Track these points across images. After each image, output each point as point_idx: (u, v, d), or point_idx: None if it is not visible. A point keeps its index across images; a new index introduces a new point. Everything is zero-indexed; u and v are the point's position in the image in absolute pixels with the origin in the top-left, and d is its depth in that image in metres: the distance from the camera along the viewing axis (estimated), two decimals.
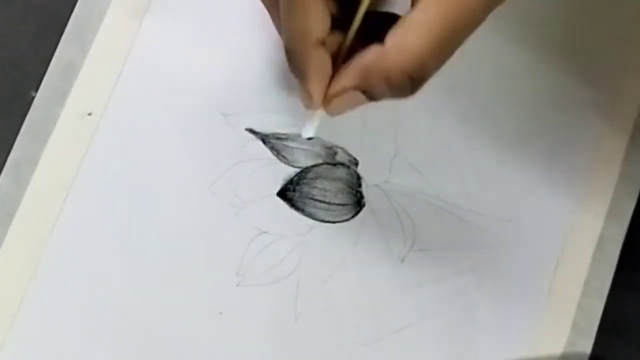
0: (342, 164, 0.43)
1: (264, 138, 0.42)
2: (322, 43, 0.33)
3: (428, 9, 0.31)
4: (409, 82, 0.32)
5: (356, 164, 0.43)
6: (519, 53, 0.45)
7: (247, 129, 0.41)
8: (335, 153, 0.42)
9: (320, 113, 0.36)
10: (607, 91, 0.46)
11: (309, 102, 0.34)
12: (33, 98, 0.40)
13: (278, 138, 0.42)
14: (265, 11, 0.35)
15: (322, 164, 0.42)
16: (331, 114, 0.35)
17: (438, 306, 0.44)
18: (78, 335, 0.40)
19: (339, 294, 0.42)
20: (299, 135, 0.42)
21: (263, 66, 0.41)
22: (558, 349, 0.45)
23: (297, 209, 0.42)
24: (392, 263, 0.43)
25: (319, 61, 0.33)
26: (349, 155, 0.43)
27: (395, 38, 0.31)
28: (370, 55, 0.32)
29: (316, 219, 0.42)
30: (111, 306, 0.40)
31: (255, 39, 0.42)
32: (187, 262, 0.41)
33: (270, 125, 0.42)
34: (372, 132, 0.43)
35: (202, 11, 0.42)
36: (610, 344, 0.45)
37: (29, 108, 0.40)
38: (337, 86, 0.34)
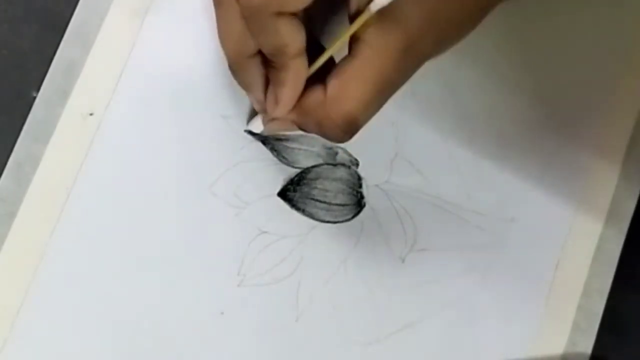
0: (343, 165, 0.43)
1: (264, 139, 0.42)
2: (302, 53, 0.34)
3: (365, 64, 0.33)
4: (340, 133, 0.34)
5: (357, 164, 0.43)
6: (520, 53, 0.45)
7: (246, 130, 0.41)
8: (336, 153, 0.42)
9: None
10: (607, 91, 0.46)
11: (275, 108, 0.36)
12: (34, 98, 0.40)
13: (278, 139, 0.42)
14: None
15: (322, 164, 0.42)
16: (268, 131, 0.39)
17: (439, 306, 0.44)
18: (79, 335, 0.40)
19: (340, 294, 0.42)
20: (300, 136, 0.42)
21: None
22: (558, 348, 0.45)
23: (298, 209, 0.42)
24: (392, 263, 0.43)
25: (297, 70, 0.34)
26: (350, 155, 0.43)
27: (333, 90, 0.34)
28: (310, 100, 0.35)
29: (317, 219, 0.42)
30: (112, 306, 0.40)
31: None
32: (188, 263, 0.41)
33: None
34: (372, 133, 0.43)
35: (203, 12, 0.42)
36: (611, 343, 0.45)
37: (30, 108, 0.40)
38: (278, 112, 0.36)
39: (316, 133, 0.36)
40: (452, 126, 0.44)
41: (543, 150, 0.45)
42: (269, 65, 0.35)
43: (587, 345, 0.45)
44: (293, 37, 0.33)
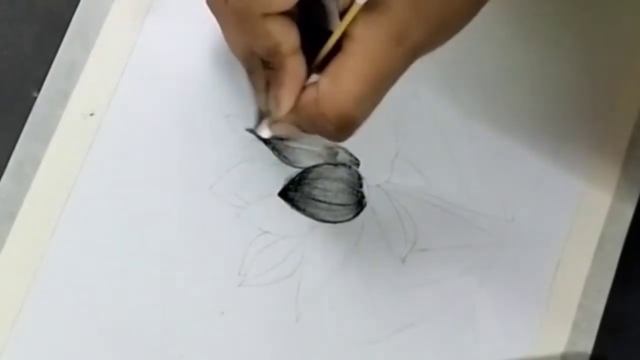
0: (344, 164, 0.43)
1: (266, 139, 0.42)
2: (297, 51, 0.34)
3: (356, 59, 0.32)
4: (335, 130, 0.34)
5: (357, 164, 0.43)
6: (520, 54, 0.45)
7: (248, 130, 0.41)
8: (337, 153, 0.42)
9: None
10: (607, 91, 0.46)
11: (276, 109, 0.35)
12: (35, 98, 0.40)
13: (279, 139, 0.42)
14: None
15: (323, 164, 0.42)
16: (274, 134, 0.39)
17: (439, 306, 0.44)
18: (80, 335, 0.40)
19: (340, 293, 0.42)
20: (301, 136, 0.42)
21: None
22: (559, 348, 0.45)
23: (299, 209, 0.42)
24: (393, 263, 0.43)
25: (294, 69, 0.34)
26: (350, 155, 0.43)
27: (324, 87, 0.33)
28: (305, 99, 0.34)
29: (317, 219, 0.42)
30: (113, 306, 0.40)
31: None
32: (189, 263, 0.41)
33: None
34: (373, 133, 0.43)
35: (204, 12, 0.42)
36: (611, 343, 0.45)
37: (31, 108, 0.40)
38: (279, 113, 0.36)
39: (314, 132, 0.35)
40: (452, 126, 0.44)
41: (543, 150, 0.45)
42: (266, 67, 0.35)
43: (587, 345, 0.45)
44: (284, 36, 0.33)
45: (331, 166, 0.42)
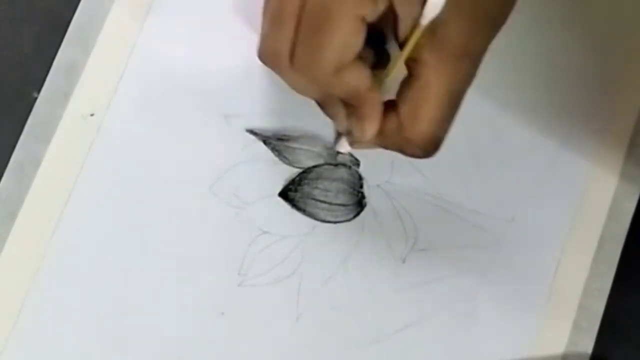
0: (344, 165, 0.43)
1: (266, 139, 0.42)
2: (372, 86, 0.34)
3: (429, 83, 0.34)
4: (423, 153, 0.35)
5: (357, 164, 0.43)
6: (520, 54, 0.45)
7: (248, 130, 0.41)
8: (337, 153, 0.42)
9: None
10: (608, 91, 0.46)
11: (361, 136, 0.36)
12: (35, 99, 0.40)
13: (279, 139, 0.42)
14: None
15: (323, 164, 0.42)
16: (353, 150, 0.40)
17: (439, 306, 0.44)
18: (80, 335, 0.40)
19: (341, 294, 0.43)
20: (301, 136, 0.42)
21: (264, 67, 0.41)
22: (559, 348, 0.45)
23: (299, 209, 0.42)
24: (393, 263, 0.43)
25: (373, 103, 0.35)
26: (351, 155, 0.43)
27: (405, 116, 0.34)
28: (387, 127, 0.35)
29: (318, 219, 0.42)
30: (113, 306, 0.40)
31: (256, 40, 0.42)
32: (189, 263, 0.41)
33: (271, 126, 0.42)
34: None
35: (204, 12, 0.42)
36: (612, 343, 0.45)
37: (31, 109, 0.40)
38: (365, 139, 0.36)
39: (401, 154, 0.36)
40: (453, 126, 0.44)
41: (543, 150, 0.45)
42: (346, 103, 0.36)
43: (587, 345, 0.45)
44: (359, 80, 0.34)
45: (331, 166, 0.42)
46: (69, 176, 0.40)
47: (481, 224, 0.44)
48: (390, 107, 0.35)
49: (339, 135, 0.40)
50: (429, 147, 0.35)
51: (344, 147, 0.39)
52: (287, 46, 0.33)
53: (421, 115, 0.34)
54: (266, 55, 0.34)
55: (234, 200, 0.41)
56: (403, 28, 0.33)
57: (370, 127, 0.35)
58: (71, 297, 0.40)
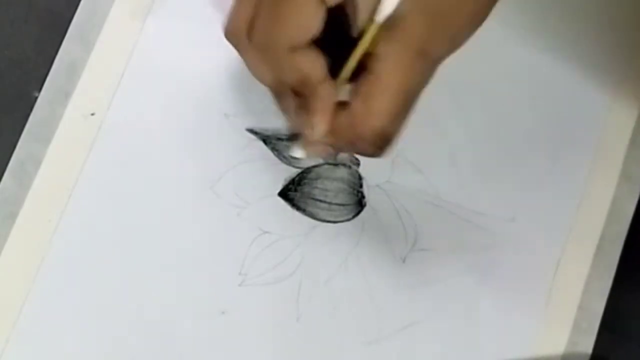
0: (344, 164, 0.43)
1: (266, 138, 0.42)
2: (326, 78, 0.34)
3: (383, 78, 0.33)
4: (373, 149, 0.34)
5: (357, 164, 0.43)
6: (520, 54, 0.45)
7: (248, 130, 0.41)
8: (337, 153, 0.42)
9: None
10: (608, 91, 0.46)
11: (311, 133, 0.36)
12: (36, 98, 0.40)
13: (279, 139, 0.42)
14: None
15: (323, 164, 0.42)
16: (308, 155, 0.38)
17: (439, 306, 0.44)
18: (80, 334, 0.40)
19: (341, 293, 0.43)
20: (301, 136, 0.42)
21: None
22: (559, 348, 0.45)
23: (299, 209, 0.42)
24: (393, 263, 0.43)
25: (325, 96, 0.35)
26: (351, 155, 0.43)
27: (357, 109, 0.34)
28: (340, 121, 0.34)
29: (318, 219, 0.42)
30: (113, 306, 0.40)
31: None
32: (190, 262, 0.41)
33: (271, 125, 0.42)
34: None
35: (205, 12, 0.42)
36: (612, 343, 0.45)
37: (32, 108, 0.40)
38: (315, 136, 0.36)
39: (351, 152, 0.36)
40: (452, 126, 0.44)
41: (543, 150, 0.45)
42: (297, 94, 0.35)
43: (587, 345, 0.45)
44: (313, 67, 0.33)
45: (331, 166, 0.42)
46: (69, 175, 0.40)
47: (481, 224, 0.44)
48: (343, 105, 0.35)
49: (293, 137, 0.39)
50: (380, 143, 0.34)
51: (297, 151, 0.39)
52: (246, 22, 0.33)
53: (373, 108, 0.33)
54: (228, 31, 0.35)
55: (234, 200, 0.41)
56: (360, 21, 0.33)
57: (321, 123, 0.35)
58: (71, 297, 0.40)
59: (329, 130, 0.35)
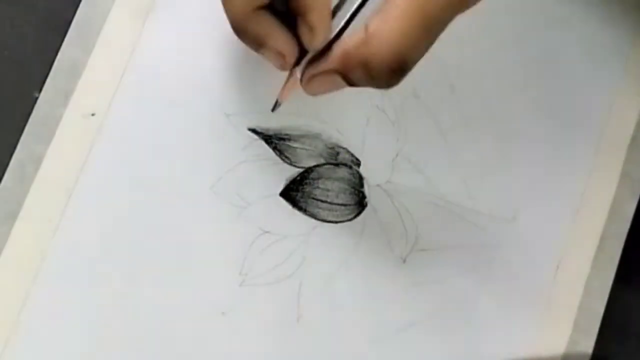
0: (345, 164, 0.43)
1: (267, 138, 0.42)
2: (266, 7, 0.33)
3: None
4: (389, 71, 0.32)
5: (358, 164, 0.43)
6: (520, 54, 0.45)
7: (249, 129, 0.41)
8: (338, 153, 0.42)
9: (292, 84, 0.37)
10: (608, 91, 0.46)
11: (281, 61, 0.35)
12: (36, 98, 0.40)
13: (281, 138, 0.42)
14: None
15: (324, 164, 0.42)
16: (310, 93, 0.37)
17: (440, 306, 0.44)
18: (81, 334, 0.40)
19: (341, 293, 0.43)
20: (302, 136, 0.42)
21: (266, 66, 0.41)
22: (560, 348, 0.45)
23: (300, 209, 0.42)
24: (394, 263, 0.43)
25: (275, 22, 0.34)
26: (351, 155, 0.43)
27: (375, 26, 0.32)
28: (352, 41, 0.33)
29: (319, 219, 0.42)
30: (114, 306, 0.40)
31: None
32: (190, 262, 0.41)
33: (273, 125, 0.42)
34: (374, 133, 0.43)
35: (205, 12, 0.42)
36: (612, 343, 0.45)
37: (32, 108, 0.40)
38: (318, 67, 0.34)
39: (363, 78, 0.33)
40: (452, 126, 0.44)
41: (544, 150, 0.45)
42: (289, 14, 0.34)
43: (588, 345, 0.45)
44: None
45: (332, 166, 0.42)
46: (69, 176, 0.40)
47: (482, 223, 0.44)
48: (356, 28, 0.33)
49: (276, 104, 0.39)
50: (395, 66, 0.32)
51: (283, 95, 0.38)
52: None
53: (393, 26, 0.31)
54: None
55: (235, 200, 0.41)
56: None
57: (320, 21, 0.33)
58: (72, 297, 0.40)
59: (342, 54, 0.33)
